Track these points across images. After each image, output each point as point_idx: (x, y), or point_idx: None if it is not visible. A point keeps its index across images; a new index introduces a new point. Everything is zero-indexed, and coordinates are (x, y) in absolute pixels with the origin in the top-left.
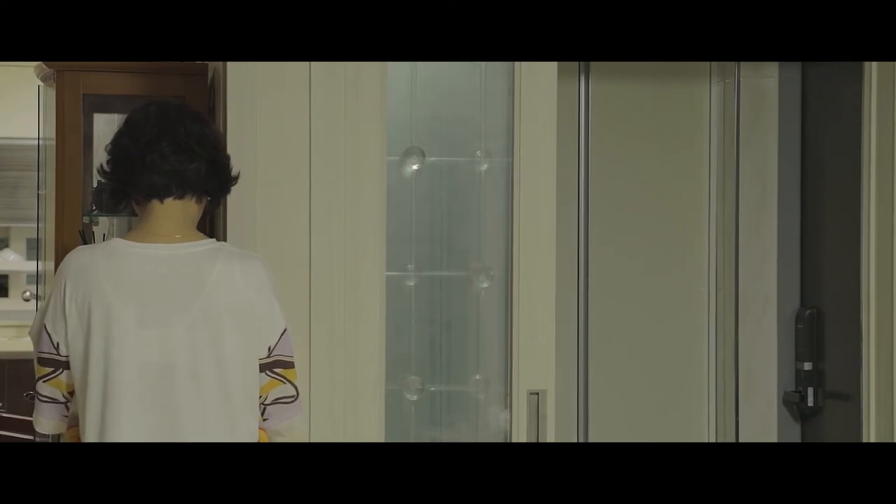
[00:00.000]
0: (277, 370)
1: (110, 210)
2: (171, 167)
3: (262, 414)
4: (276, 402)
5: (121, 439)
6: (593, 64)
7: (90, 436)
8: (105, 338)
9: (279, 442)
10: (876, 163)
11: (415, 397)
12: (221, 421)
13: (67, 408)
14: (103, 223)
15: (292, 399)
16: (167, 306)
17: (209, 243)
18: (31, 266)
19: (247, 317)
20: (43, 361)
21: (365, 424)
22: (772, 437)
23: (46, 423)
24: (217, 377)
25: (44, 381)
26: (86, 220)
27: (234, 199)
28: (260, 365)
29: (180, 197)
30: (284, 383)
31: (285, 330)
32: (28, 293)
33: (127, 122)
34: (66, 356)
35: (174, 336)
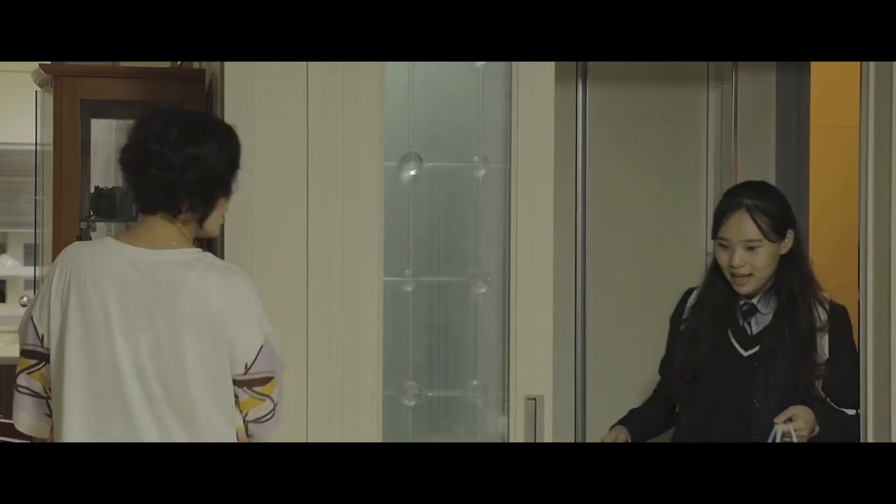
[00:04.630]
0: (256, 388)
1: (107, 215)
2: (166, 185)
3: (247, 431)
4: (256, 420)
5: (70, 437)
6: (591, 68)
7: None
8: (78, 333)
9: (278, 442)
10: (874, 164)
11: (412, 403)
12: (183, 429)
13: (48, 405)
14: (101, 228)
15: (270, 415)
16: (138, 310)
17: (193, 252)
18: (28, 271)
19: (216, 330)
20: (27, 353)
21: (362, 430)
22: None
23: (25, 418)
24: (180, 385)
25: (27, 373)
26: (83, 225)
27: (231, 204)
28: (238, 381)
29: (172, 214)
30: (263, 401)
31: (262, 346)
32: (25, 298)
33: (131, 135)
34: (49, 348)
35: (141, 340)
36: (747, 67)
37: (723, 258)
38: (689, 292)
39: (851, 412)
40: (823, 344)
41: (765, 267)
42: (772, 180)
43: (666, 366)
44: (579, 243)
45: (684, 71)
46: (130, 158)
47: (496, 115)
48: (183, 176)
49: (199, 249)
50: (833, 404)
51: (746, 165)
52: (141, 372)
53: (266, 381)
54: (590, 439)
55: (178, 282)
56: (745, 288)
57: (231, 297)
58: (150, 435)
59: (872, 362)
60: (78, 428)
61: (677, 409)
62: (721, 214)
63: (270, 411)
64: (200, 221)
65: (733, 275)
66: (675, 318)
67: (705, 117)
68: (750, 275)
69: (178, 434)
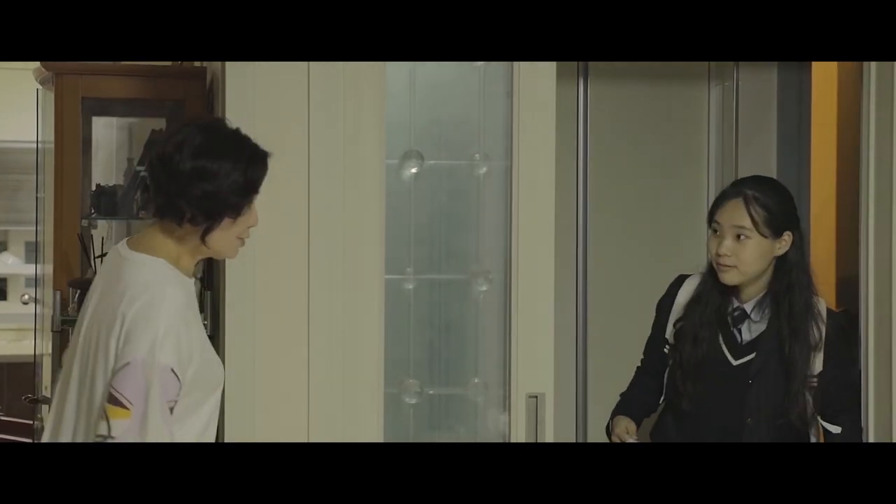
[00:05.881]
0: (106, 402)
1: (108, 213)
2: (170, 192)
3: None
4: (97, 434)
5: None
6: (592, 66)
7: None
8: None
9: (277, 442)
10: (875, 163)
11: (413, 401)
12: (87, 428)
13: None
14: (102, 226)
15: (101, 439)
16: (104, 310)
17: (153, 261)
18: (29, 269)
19: (116, 336)
20: None
21: (364, 428)
22: None
23: None
24: (92, 385)
25: None
26: (84, 223)
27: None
28: None
29: (176, 222)
30: (102, 420)
31: (127, 364)
32: (27, 296)
33: (161, 135)
34: None
35: (86, 332)
36: (748, 66)
37: (712, 245)
38: (680, 279)
39: (836, 430)
40: (818, 359)
41: (751, 262)
42: (773, 177)
43: (651, 345)
44: (580, 241)
45: (685, 69)
46: (150, 158)
47: (497, 113)
48: (188, 186)
49: (164, 261)
50: (821, 419)
51: (747, 163)
52: (83, 367)
53: (116, 403)
54: (591, 437)
55: (117, 281)
56: (726, 277)
57: (139, 302)
58: (68, 428)
59: (874, 364)
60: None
61: (661, 401)
62: (719, 200)
63: (102, 437)
64: (203, 237)
65: (718, 263)
66: (664, 304)
67: (706, 115)
68: (734, 266)
69: (84, 432)
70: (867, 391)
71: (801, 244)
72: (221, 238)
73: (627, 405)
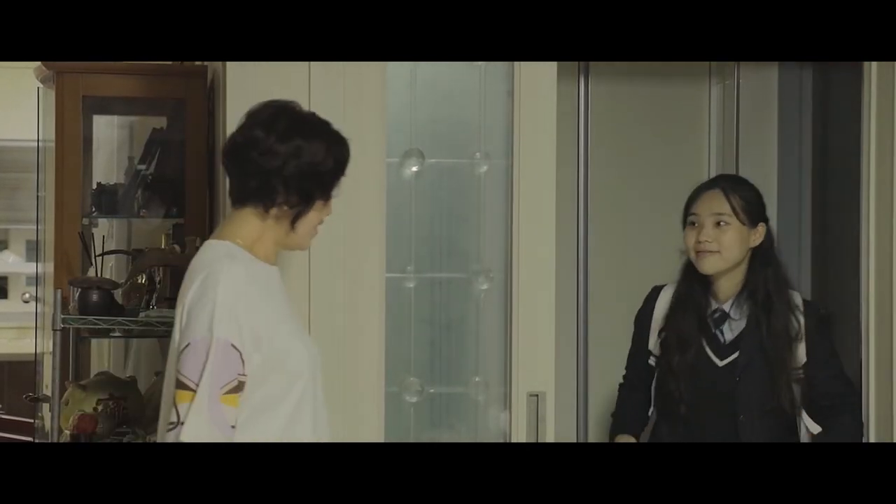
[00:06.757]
0: (175, 388)
1: (109, 211)
2: (264, 172)
3: None
4: (165, 422)
5: None
6: (593, 65)
7: None
8: None
9: (277, 442)
10: (876, 163)
11: (414, 399)
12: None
13: None
14: (103, 225)
15: (172, 427)
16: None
17: (217, 243)
18: (30, 268)
19: (180, 320)
20: None
21: (364, 426)
22: None
23: None
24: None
25: None
26: (85, 221)
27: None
28: None
29: (265, 206)
30: (172, 407)
31: (189, 344)
32: (27, 295)
33: (238, 124)
34: None
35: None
36: (749, 64)
37: (690, 237)
38: (655, 290)
39: (817, 430)
40: (800, 350)
41: (732, 247)
42: (773, 177)
43: (634, 358)
44: (581, 239)
45: (686, 67)
46: (232, 144)
47: (498, 112)
48: (285, 165)
49: (229, 242)
50: (807, 415)
51: (747, 163)
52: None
53: (182, 386)
54: (591, 436)
55: (189, 268)
56: (707, 264)
57: (197, 282)
58: (163, 422)
59: (874, 364)
60: None
61: (651, 413)
62: (695, 194)
63: (172, 424)
64: (294, 221)
65: (698, 252)
66: (643, 316)
67: (707, 113)
68: (717, 252)
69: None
70: (867, 391)
71: (770, 238)
72: (309, 223)
73: (622, 425)
